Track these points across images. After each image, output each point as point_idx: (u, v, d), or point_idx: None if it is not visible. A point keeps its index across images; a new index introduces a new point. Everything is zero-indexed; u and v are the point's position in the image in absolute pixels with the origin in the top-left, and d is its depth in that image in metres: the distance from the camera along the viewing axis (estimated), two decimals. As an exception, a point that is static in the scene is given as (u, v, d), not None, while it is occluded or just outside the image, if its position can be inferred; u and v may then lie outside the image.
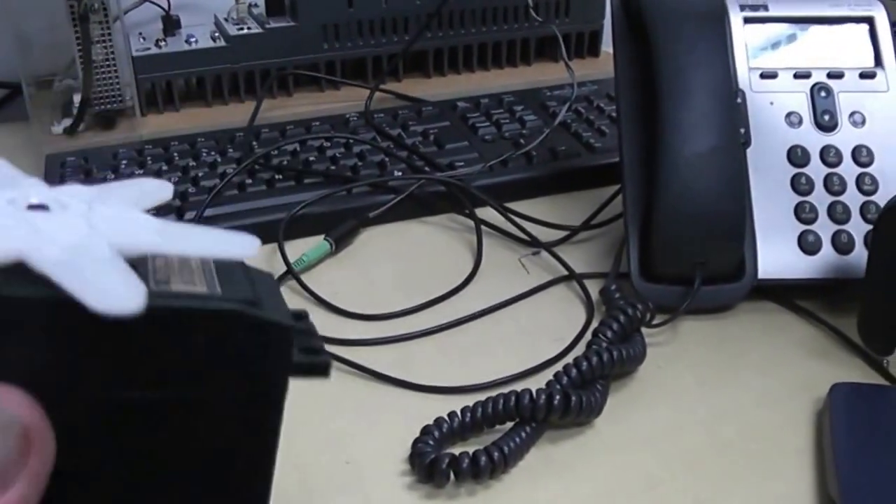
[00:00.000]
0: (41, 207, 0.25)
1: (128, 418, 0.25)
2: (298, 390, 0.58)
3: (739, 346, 0.63)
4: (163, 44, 0.94)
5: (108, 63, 0.89)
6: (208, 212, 0.74)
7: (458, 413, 0.54)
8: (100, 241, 0.24)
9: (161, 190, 0.30)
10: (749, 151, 0.67)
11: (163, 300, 0.24)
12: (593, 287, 0.68)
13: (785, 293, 0.67)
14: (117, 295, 0.23)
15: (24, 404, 0.24)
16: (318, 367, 0.30)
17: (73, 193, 0.27)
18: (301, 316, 0.30)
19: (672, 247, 0.63)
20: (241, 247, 0.27)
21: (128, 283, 0.23)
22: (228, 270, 0.26)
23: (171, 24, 0.97)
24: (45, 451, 0.25)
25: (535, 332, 0.64)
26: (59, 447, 0.24)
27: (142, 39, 0.95)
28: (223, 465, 0.27)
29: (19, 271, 0.23)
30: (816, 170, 0.67)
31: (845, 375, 0.59)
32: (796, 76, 0.69)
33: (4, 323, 0.23)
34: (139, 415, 0.25)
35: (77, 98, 0.89)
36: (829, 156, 0.67)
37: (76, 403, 0.24)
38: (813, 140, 0.67)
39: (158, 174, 0.80)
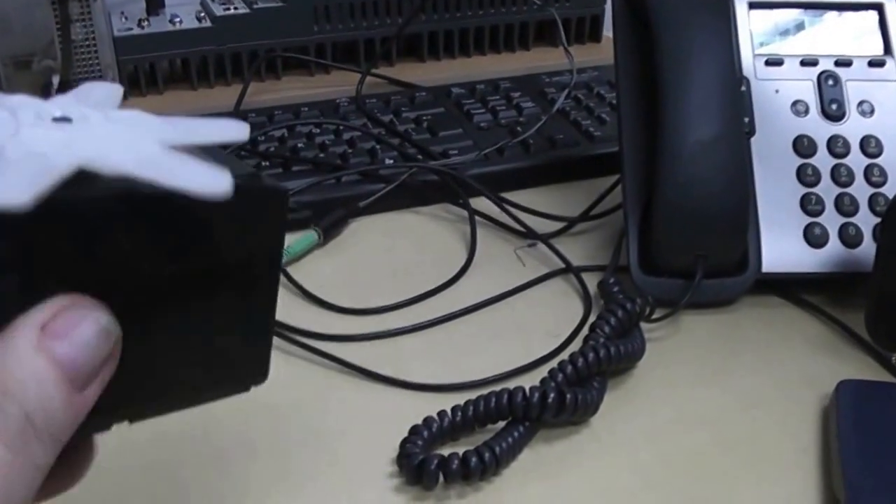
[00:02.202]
0: (65, 119, 0.28)
1: (167, 289, 0.29)
2: (282, 388, 0.59)
3: (742, 342, 0.63)
4: (146, 24, 0.94)
5: (88, 43, 0.89)
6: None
7: (449, 412, 0.54)
8: (146, 139, 0.28)
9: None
10: (753, 141, 0.67)
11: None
12: (591, 280, 0.68)
13: (790, 287, 0.67)
14: (211, 178, 0.26)
15: (108, 312, 0.28)
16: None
17: (79, 104, 0.29)
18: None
19: (673, 239, 0.63)
20: (237, 131, 0.30)
21: (207, 169, 0.27)
22: (212, 152, 0.29)
23: (154, 4, 0.97)
24: (118, 355, 0.29)
25: (531, 327, 0.64)
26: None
27: (124, 19, 0.95)
28: (238, 312, 0.32)
29: (76, 180, 0.25)
30: (823, 160, 0.67)
31: (852, 372, 0.59)
32: (803, 64, 0.69)
33: (92, 225, 0.27)
34: (174, 284, 0.29)
35: (56, 80, 0.89)
36: (837, 146, 0.67)
37: (130, 286, 0.28)
38: (820, 130, 0.68)
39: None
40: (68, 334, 0.27)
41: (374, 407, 0.58)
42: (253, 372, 0.35)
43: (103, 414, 0.29)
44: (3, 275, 0.26)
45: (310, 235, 0.72)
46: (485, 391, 0.55)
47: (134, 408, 0.31)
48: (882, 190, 0.66)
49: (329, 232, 0.73)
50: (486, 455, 0.51)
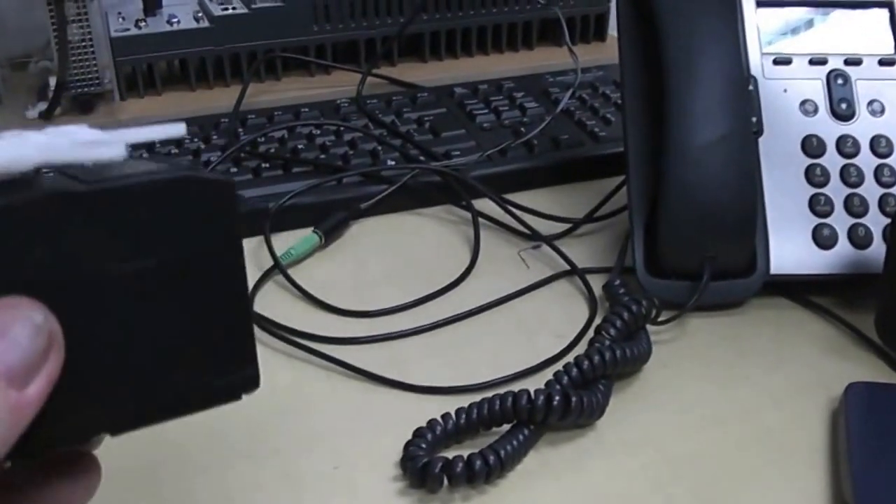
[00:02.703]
0: None
1: (123, 288, 0.30)
2: (284, 391, 0.58)
3: (750, 344, 0.63)
4: (143, 24, 0.94)
5: (85, 44, 0.89)
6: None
7: (453, 415, 0.54)
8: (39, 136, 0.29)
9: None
10: (761, 141, 0.67)
11: (140, 177, 0.29)
12: (596, 282, 0.68)
13: (798, 289, 0.67)
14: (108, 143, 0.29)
15: (43, 309, 0.28)
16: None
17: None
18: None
19: (679, 240, 0.63)
20: (174, 129, 0.32)
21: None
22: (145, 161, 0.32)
23: (151, 4, 0.97)
24: (61, 348, 0.29)
25: (535, 330, 0.64)
26: (70, 325, 0.29)
27: (121, 19, 0.95)
28: (207, 310, 0.32)
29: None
30: (832, 160, 0.67)
31: (861, 374, 0.59)
32: (812, 62, 0.69)
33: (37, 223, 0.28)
34: (130, 283, 0.30)
35: (53, 81, 0.89)
36: (846, 146, 0.67)
37: (81, 286, 0.29)
38: (829, 129, 0.67)
39: (138, 162, 0.80)
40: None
41: (378, 410, 0.58)
42: (242, 378, 0.34)
43: (74, 419, 0.30)
44: None
45: (311, 238, 0.72)
46: (489, 394, 0.55)
47: (111, 415, 0.31)
48: (892, 190, 0.66)
49: (330, 234, 0.73)
50: (491, 458, 0.51)
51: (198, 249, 0.31)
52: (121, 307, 0.30)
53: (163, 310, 0.30)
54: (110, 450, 0.35)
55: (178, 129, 0.33)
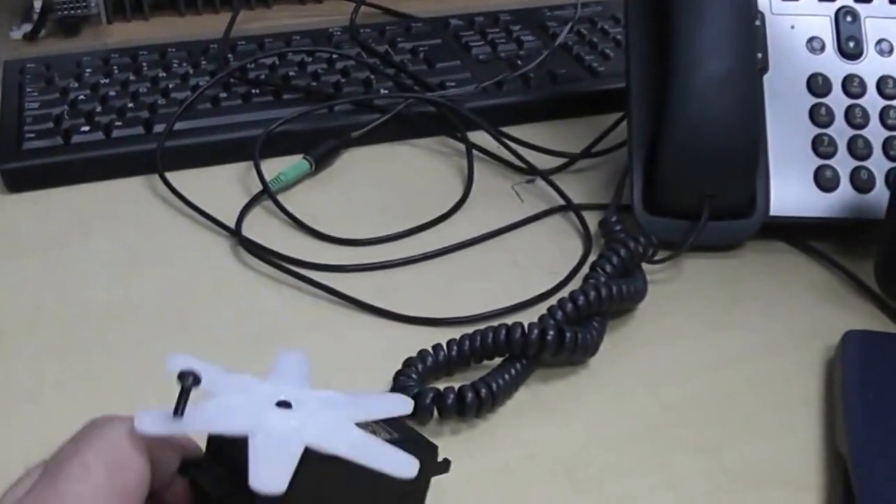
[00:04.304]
0: (286, 404, 0.37)
1: None
2: (271, 316, 0.58)
3: (747, 288, 0.62)
4: (132, -55, 0.92)
5: (72, -35, 0.87)
6: (179, 125, 0.73)
7: (444, 346, 0.53)
8: (343, 419, 0.38)
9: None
10: (766, 78, 0.65)
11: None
12: (592, 219, 0.67)
13: (797, 233, 0.66)
14: (403, 465, 0.37)
15: None
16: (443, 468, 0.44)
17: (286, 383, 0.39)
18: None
19: (679, 177, 0.62)
20: (401, 406, 0.42)
21: (398, 455, 0.37)
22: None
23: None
24: None
25: (528, 265, 0.63)
26: None
27: (110, -61, 0.93)
28: None
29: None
30: (838, 100, 0.66)
31: (858, 322, 0.58)
32: (821, -1, 0.68)
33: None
34: None
35: (38, 3, 0.87)
36: (853, 86, 0.66)
37: None
38: (835, 68, 0.66)
39: (125, 84, 0.79)
40: None
41: (366, 339, 0.57)
42: None
43: None
44: None
45: (301, 164, 0.71)
46: (481, 326, 0.54)
47: None
48: (897, 133, 0.65)
49: (321, 162, 0.72)
50: (483, 391, 0.50)
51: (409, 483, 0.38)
52: None
53: None
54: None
55: (406, 408, 0.42)
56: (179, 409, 0.35)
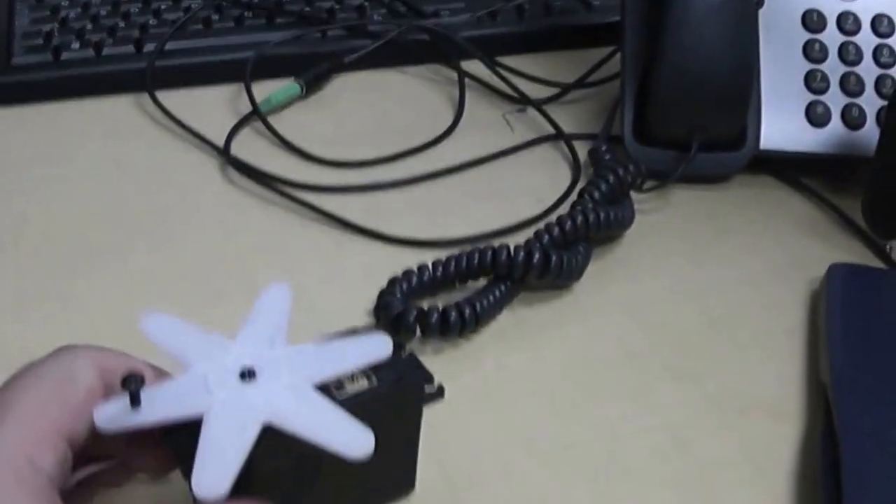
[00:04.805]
0: (251, 374, 0.37)
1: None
2: (258, 234, 0.58)
3: (734, 220, 0.63)
4: None
5: None
6: (170, 45, 0.73)
7: (429, 266, 0.53)
8: (309, 387, 0.37)
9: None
10: (761, 13, 0.65)
11: (352, 402, 0.38)
12: (582, 149, 0.67)
13: (787, 168, 0.66)
14: (357, 442, 0.35)
15: None
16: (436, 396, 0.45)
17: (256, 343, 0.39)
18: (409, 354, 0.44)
19: (670, 106, 0.62)
20: (379, 352, 0.39)
21: (356, 431, 0.36)
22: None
23: None
24: None
25: (516, 192, 0.63)
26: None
27: None
28: (393, 460, 0.42)
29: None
30: (832, 37, 0.65)
31: (844, 258, 0.58)
32: (818, -67, 0.67)
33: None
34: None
35: None
36: (847, 23, 0.65)
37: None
38: (830, 5, 0.66)
39: (116, 5, 0.78)
40: None
41: (352, 258, 0.57)
42: (404, 486, 0.44)
43: None
44: None
45: (292, 87, 0.70)
46: (467, 249, 0.54)
47: None
48: (891, 72, 0.65)
49: (311, 85, 0.72)
50: (467, 311, 0.51)
51: (398, 425, 0.41)
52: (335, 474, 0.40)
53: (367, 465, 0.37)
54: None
55: (384, 351, 0.40)
56: (135, 402, 0.35)
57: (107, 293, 0.54)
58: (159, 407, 0.36)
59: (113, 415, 0.35)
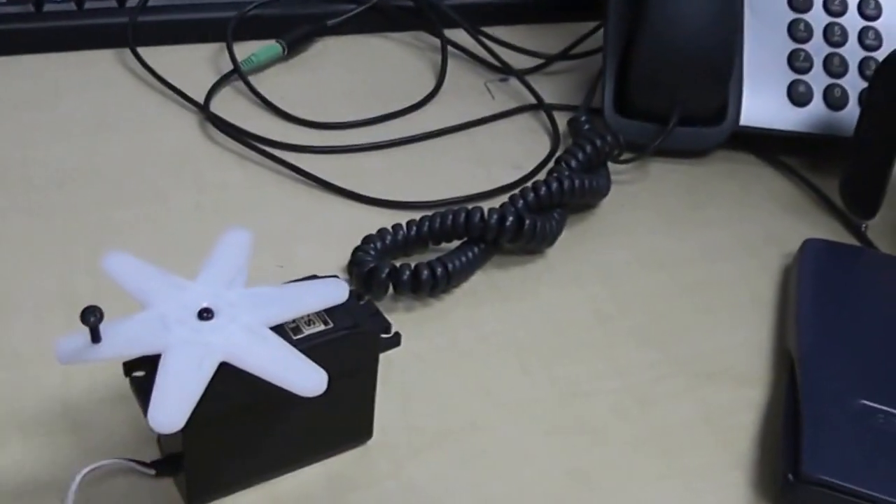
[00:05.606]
0: (208, 313, 0.38)
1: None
2: (236, 190, 0.58)
3: (711, 194, 0.63)
4: None
5: None
6: (153, 1, 0.73)
7: (404, 225, 0.54)
8: (263, 338, 0.38)
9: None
10: (747, -10, 0.66)
11: (307, 344, 0.39)
12: (562, 120, 0.68)
13: (766, 145, 0.67)
14: (312, 382, 0.37)
15: None
16: (393, 343, 0.44)
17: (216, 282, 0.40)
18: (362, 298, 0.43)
19: (651, 80, 0.63)
20: (336, 295, 0.41)
21: (310, 372, 0.37)
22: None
23: None
24: None
25: (494, 159, 0.64)
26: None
27: None
28: (350, 405, 0.43)
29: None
30: (817, 17, 0.66)
31: (819, 234, 0.59)
32: (806, -90, 0.68)
33: None
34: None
35: None
36: (833, 4, 0.66)
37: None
38: (817, -15, 0.67)
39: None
40: None
41: (327, 217, 0.57)
42: (361, 433, 0.45)
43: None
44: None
45: (273, 47, 0.71)
46: (442, 210, 0.55)
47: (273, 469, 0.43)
48: (875, 54, 0.65)
49: (293, 46, 0.72)
50: (439, 269, 0.51)
51: (354, 369, 0.42)
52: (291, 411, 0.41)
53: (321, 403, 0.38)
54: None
55: (341, 296, 0.41)
56: (95, 338, 0.36)
57: (82, 244, 0.54)
58: (118, 343, 0.36)
59: (73, 349, 0.36)
